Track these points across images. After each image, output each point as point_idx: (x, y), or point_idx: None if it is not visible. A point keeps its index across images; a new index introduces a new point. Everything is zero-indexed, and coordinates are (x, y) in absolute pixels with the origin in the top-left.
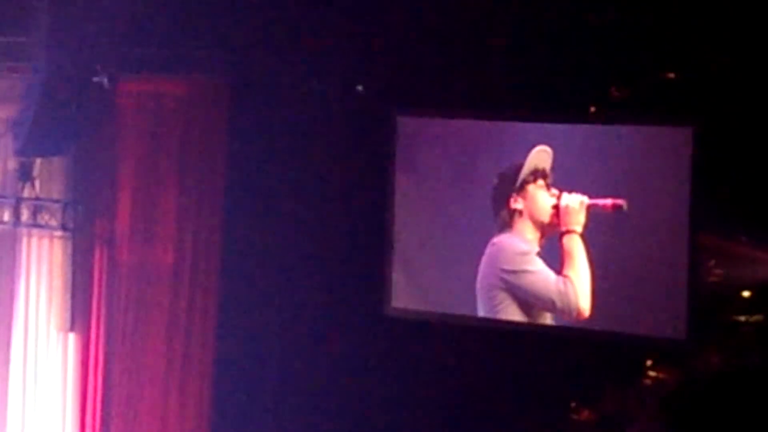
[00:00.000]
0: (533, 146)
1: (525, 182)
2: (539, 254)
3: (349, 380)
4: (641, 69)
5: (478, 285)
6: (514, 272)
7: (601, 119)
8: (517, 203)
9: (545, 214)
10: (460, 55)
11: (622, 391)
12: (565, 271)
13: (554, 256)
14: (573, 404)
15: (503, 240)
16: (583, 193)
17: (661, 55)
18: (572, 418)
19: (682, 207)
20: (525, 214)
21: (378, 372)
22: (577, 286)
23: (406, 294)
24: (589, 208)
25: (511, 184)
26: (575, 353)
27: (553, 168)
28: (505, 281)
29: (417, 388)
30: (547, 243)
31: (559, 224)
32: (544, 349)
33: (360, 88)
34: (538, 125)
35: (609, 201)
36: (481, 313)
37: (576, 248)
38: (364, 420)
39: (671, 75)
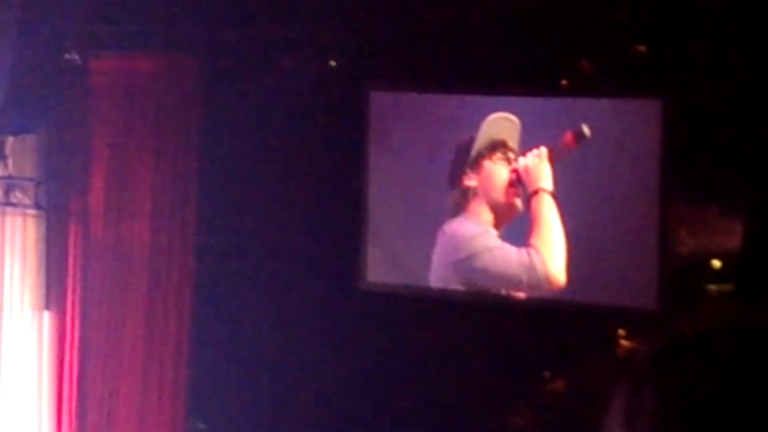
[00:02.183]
0: None
1: (480, 156)
2: (499, 237)
3: (326, 354)
4: (611, 41)
5: (432, 282)
6: (469, 257)
7: (572, 92)
8: (470, 180)
9: (502, 193)
10: (432, 29)
11: (595, 361)
12: (531, 240)
13: (520, 237)
14: (546, 375)
15: (453, 227)
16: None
17: (631, 27)
18: (546, 388)
19: (653, 178)
20: (480, 193)
21: (354, 345)
22: (545, 254)
23: (382, 268)
24: (551, 154)
25: (465, 158)
26: (548, 324)
27: (520, 143)
28: (460, 272)
29: (393, 361)
30: (508, 228)
31: (519, 206)
32: (517, 320)
33: (333, 63)
34: (508, 99)
35: (568, 134)
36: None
37: (545, 209)
38: (342, 393)
39: (641, 48)
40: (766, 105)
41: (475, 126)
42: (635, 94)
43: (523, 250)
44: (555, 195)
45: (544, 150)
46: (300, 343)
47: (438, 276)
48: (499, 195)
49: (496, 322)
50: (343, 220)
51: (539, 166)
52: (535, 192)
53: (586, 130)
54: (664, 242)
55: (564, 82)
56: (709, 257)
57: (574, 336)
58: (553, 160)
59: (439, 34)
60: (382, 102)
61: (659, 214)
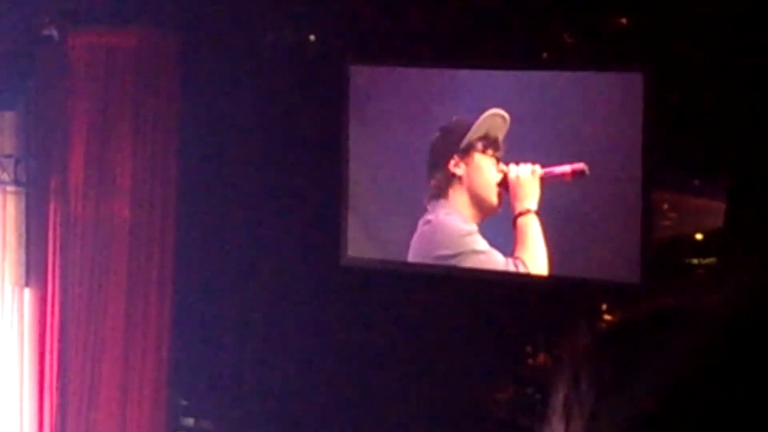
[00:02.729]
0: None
1: (471, 146)
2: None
3: (308, 329)
4: (593, 14)
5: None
6: (455, 256)
7: (553, 65)
8: (458, 168)
9: (489, 190)
10: (412, 3)
11: (577, 334)
12: (518, 253)
13: (496, 237)
14: (529, 349)
15: (441, 218)
16: (535, 158)
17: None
18: (528, 362)
19: (636, 152)
20: (465, 183)
21: (336, 320)
22: (531, 270)
23: (363, 243)
24: (544, 179)
25: (454, 143)
26: (531, 298)
27: (505, 138)
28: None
29: (374, 336)
30: (487, 223)
31: (500, 205)
32: (499, 294)
33: (312, 37)
34: (490, 72)
35: (567, 167)
36: None
37: (532, 228)
38: (324, 369)
39: (623, 21)
40: (749, 78)
41: (455, 100)
42: (617, 68)
43: (510, 261)
44: (539, 213)
45: (538, 169)
46: (282, 317)
47: None
48: (484, 190)
49: (478, 296)
50: (323, 194)
51: (531, 185)
52: (523, 212)
53: (587, 170)
54: (646, 216)
55: (545, 55)
56: (692, 231)
57: (556, 310)
58: (543, 184)
59: (419, 8)
60: (362, 77)
61: (642, 187)
